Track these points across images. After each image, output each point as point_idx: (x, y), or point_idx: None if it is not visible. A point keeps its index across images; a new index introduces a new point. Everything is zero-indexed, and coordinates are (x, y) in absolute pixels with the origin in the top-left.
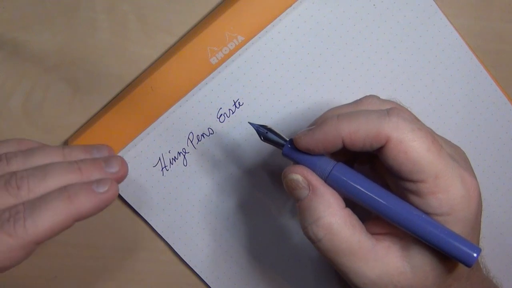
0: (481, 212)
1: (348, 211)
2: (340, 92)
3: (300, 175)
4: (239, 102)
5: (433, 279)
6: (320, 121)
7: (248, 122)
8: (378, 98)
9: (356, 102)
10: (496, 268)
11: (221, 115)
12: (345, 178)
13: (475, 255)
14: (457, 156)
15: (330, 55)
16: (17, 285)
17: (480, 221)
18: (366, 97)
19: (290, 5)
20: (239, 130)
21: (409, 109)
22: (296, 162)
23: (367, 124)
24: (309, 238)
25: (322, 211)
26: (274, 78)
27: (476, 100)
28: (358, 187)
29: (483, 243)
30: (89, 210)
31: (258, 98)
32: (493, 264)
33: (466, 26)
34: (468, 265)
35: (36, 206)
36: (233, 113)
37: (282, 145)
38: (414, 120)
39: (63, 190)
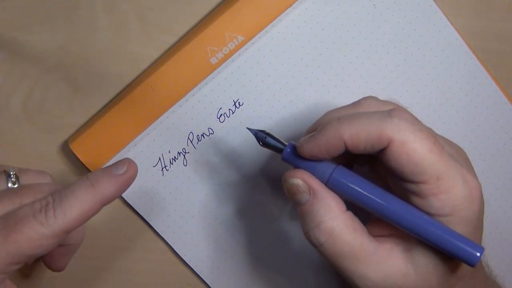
0: (483, 212)
1: (349, 214)
2: (340, 92)
3: (300, 180)
4: (239, 102)
5: (437, 279)
6: (320, 125)
7: (247, 128)
8: (377, 99)
9: (355, 103)
10: (496, 268)
11: (221, 115)
12: (345, 181)
13: (478, 254)
14: (458, 156)
15: (330, 55)
16: (17, 285)
17: (483, 221)
18: (364, 99)
19: (290, 5)
20: (239, 130)
21: (408, 109)
22: (296, 167)
23: (368, 126)
24: (311, 242)
25: (323, 215)
26: (274, 78)
27: (476, 100)
28: (359, 189)
29: (483, 243)
30: (113, 193)
31: (258, 98)
32: (493, 264)
33: (466, 26)
34: (471, 264)
35: (63, 197)
36: (233, 113)
37: (281, 150)
38: (415, 121)
39: (85, 178)
